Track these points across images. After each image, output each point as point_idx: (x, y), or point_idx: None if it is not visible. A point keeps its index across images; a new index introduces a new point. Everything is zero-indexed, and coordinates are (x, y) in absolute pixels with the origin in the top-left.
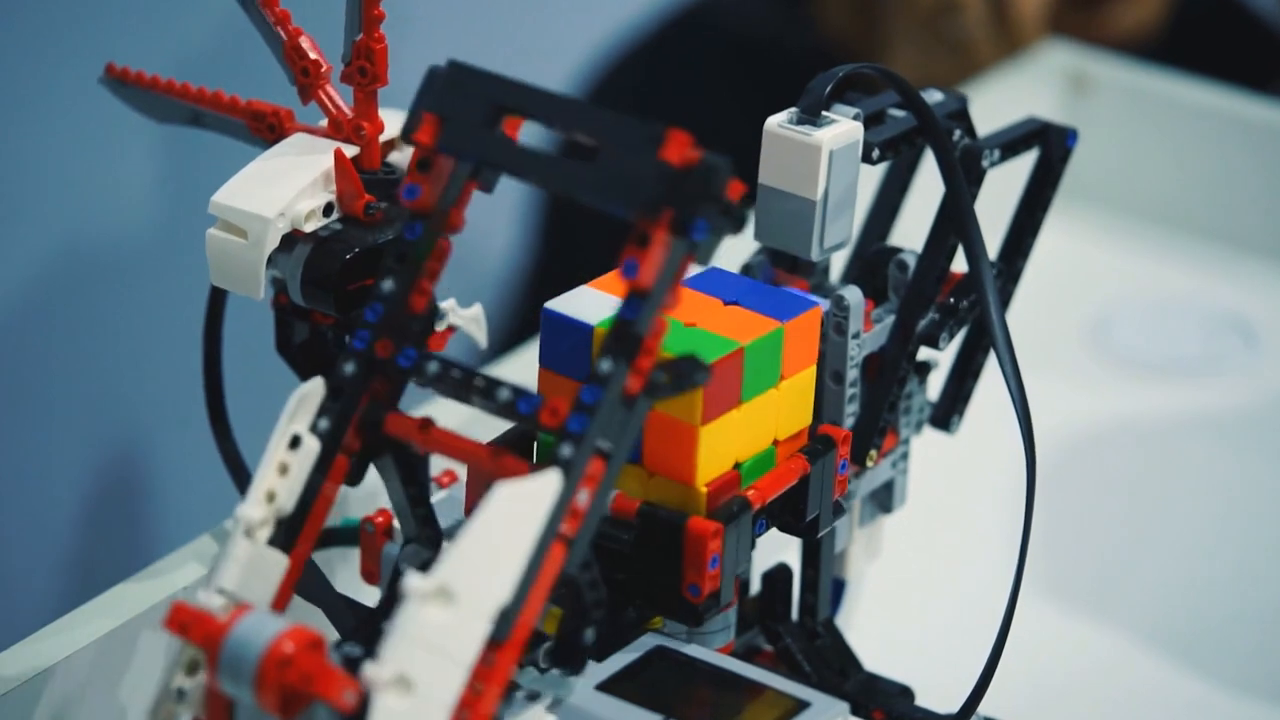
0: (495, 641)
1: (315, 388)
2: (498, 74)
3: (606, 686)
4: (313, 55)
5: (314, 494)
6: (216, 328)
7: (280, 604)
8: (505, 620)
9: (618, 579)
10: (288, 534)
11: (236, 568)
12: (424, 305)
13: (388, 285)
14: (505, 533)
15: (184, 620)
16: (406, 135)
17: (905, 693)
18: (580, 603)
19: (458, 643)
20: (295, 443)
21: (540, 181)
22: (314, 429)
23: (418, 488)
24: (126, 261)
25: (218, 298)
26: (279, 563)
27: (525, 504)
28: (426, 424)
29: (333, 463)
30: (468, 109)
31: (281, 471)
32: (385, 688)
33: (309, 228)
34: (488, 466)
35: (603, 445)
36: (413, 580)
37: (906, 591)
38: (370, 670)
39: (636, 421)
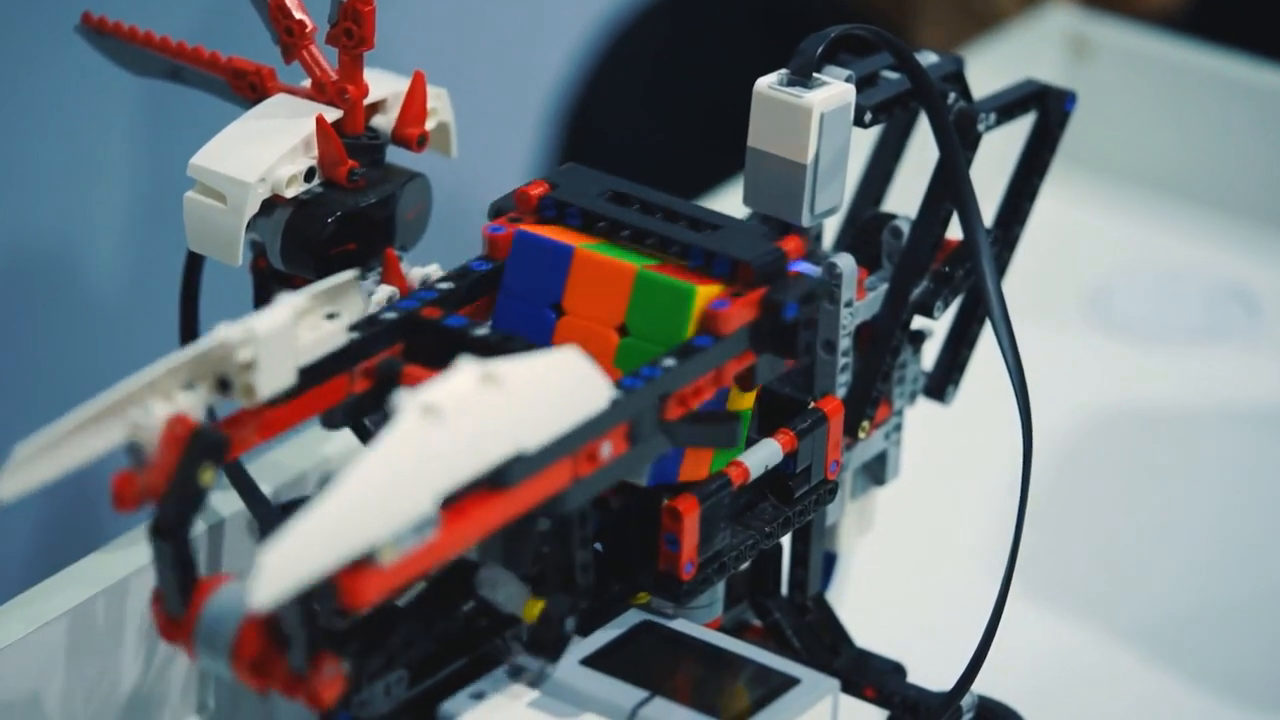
0: (494, 481)
1: (353, 281)
2: (615, 177)
3: (591, 661)
4: (297, 15)
5: (311, 381)
6: (193, 293)
7: (267, 425)
8: (518, 467)
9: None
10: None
11: (272, 323)
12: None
13: (446, 285)
14: (560, 383)
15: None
16: (507, 200)
17: (897, 670)
18: (571, 585)
19: (490, 428)
20: (332, 318)
21: (647, 229)
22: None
23: None
24: (98, 223)
25: (194, 263)
26: (292, 371)
27: (584, 381)
28: None
29: (337, 371)
30: (583, 186)
31: (312, 326)
32: (416, 410)
33: (290, 193)
34: None
35: (637, 424)
36: (470, 359)
37: (899, 566)
38: (404, 395)
39: (652, 449)
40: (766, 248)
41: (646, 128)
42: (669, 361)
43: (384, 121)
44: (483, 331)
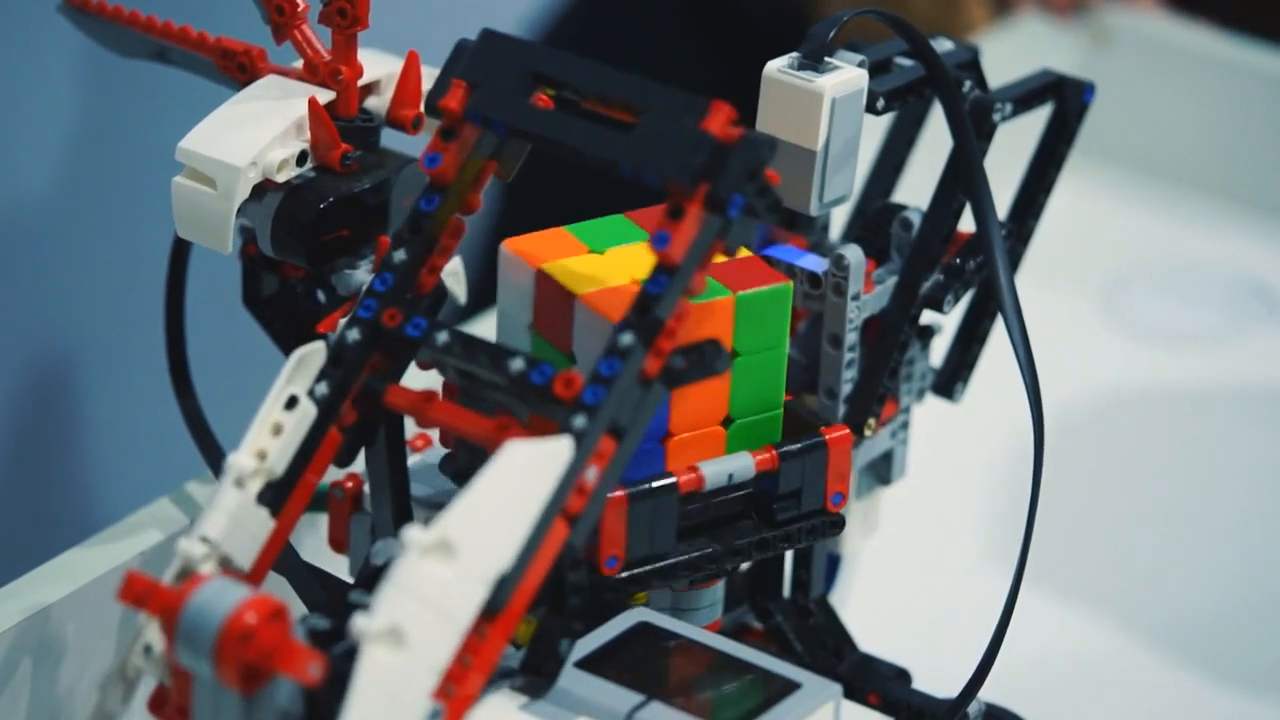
0: (489, 612)
1: (317, 349)
2: (533, 42)
3: (587, 664)
4: None
5: (305, 461)
6: (180, 280)
7: (261, 569)
8: (503, 589)
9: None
10: (275, 497)
11: (223, 517)
12: (432, 284)
13: (399, 255)
14: (512, 493)
15: (139, 591)
16: (432, 103)
17: (902, 675)
18: (563, 607)
19: (455, 602)
20: (292, 403)
21: (573, 147)
22: (311, 394)
23: (401, 463)
24: (84, 207)
25: (182, 249)
26: (265, 522)
27: (535, 465)
28: (430, 396)
29: (325, 433)
30: (501, 77)
31: (275, 431)
32: (376, 639)
33: (281, 178)
34: (496, 440)
35: (617, 423)
36: (412, 532)
37: (905, 568)
38: (361, 621)
39: (651, 404)
40: (691, 144)
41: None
42: (626, 339)
43: (378, 103)
44: (445, 339)
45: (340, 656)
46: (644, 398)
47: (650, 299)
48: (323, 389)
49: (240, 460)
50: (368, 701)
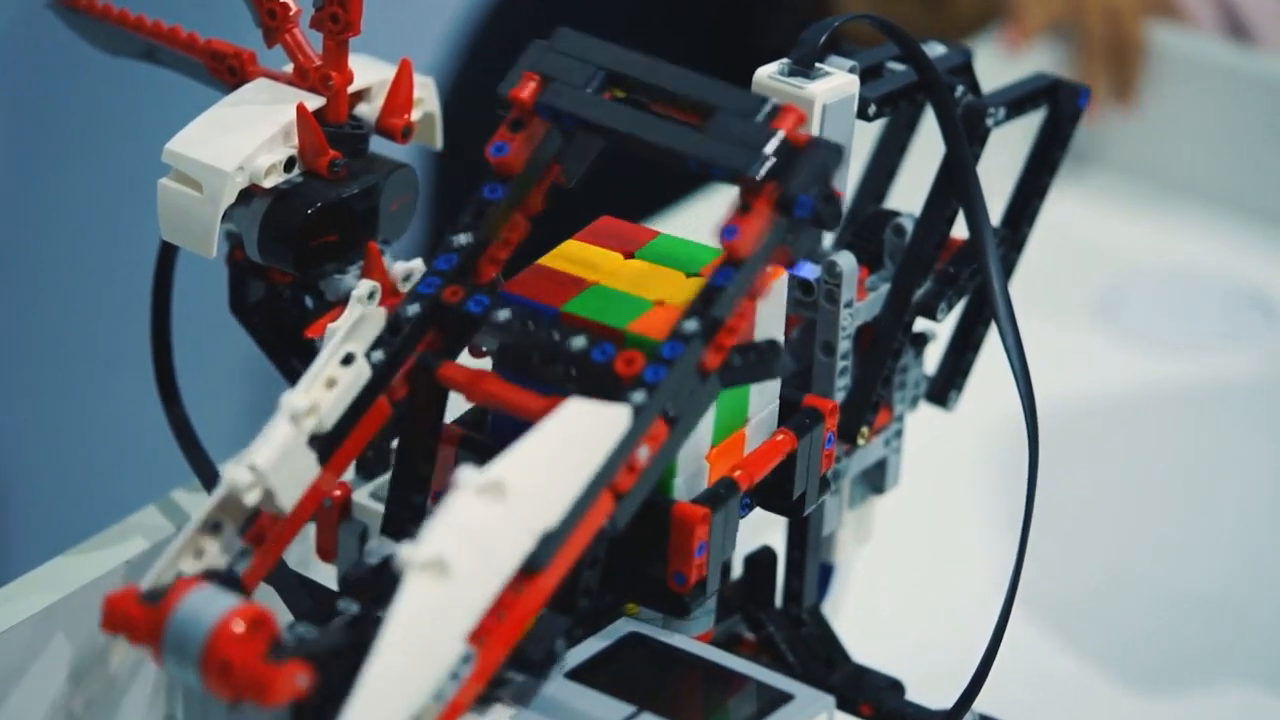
0: (529, 569)
1: (378, 312)
2: (607, 42)
3: (577, 675)
4: None
5: (352, 422)
6: (166, 285)
7: (302, 516)
8: (546, 546)
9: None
10: (323, 450)
11: (273, 449)
12: (492, 276)
13: (463, 238)
14: (568, 448)
15: (118, 620)
16: (503, 93)
17: (895, 686)
18: (569, 606)
19: (500, 545)
20: (348, 360)
21: (642, 141)
22: (367, 357)
23: (430, 460)
24: (67, 211)
25: (168, 253)
26: (312, 466)
27: (593, 426)
28: (483, 374)
29: (375, 398)
30: (573, 72)
31: (329, 385)
32: (420, 569)
33: (269, 183)
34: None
35: (670, 409)
36: (466, 472)
37: (898, 578)
38: (406, 550)
39: (707, 398)
40: (760, 141)
41: None
42: (690, 325)
43: (368, 110)
44: (505, 315)
45: (329, 663)
46: (700, 390)
47: (714, 291)
48: (378, 355)
49: (295, 399)
50: (406, 630)
